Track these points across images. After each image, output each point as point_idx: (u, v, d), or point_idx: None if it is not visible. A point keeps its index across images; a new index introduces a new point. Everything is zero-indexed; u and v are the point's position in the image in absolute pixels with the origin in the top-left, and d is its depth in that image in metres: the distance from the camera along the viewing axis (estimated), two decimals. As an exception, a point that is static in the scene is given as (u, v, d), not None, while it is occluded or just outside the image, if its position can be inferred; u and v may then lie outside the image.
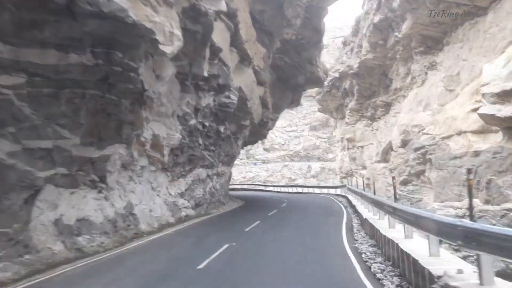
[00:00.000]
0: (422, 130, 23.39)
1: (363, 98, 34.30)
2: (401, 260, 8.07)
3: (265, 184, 57.41)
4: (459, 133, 19.16)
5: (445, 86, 21.89)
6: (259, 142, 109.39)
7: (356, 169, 36.69)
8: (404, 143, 26.29)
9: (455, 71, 20.98)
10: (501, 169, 15.92)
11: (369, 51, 30.39)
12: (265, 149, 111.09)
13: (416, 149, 23.11)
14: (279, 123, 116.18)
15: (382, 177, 31.36)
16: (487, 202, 16.40)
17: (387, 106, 31.50)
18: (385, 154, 31.80)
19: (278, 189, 48.12)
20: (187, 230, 16.43)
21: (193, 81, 17.37)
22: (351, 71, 33.17)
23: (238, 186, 68.13)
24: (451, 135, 19.87)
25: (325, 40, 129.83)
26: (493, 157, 16.43)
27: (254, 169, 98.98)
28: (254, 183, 58.42)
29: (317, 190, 39.41)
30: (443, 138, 20.69)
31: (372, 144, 34.01)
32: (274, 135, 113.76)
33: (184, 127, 17.79)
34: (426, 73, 24.81)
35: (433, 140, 21.59)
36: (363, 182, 26.46)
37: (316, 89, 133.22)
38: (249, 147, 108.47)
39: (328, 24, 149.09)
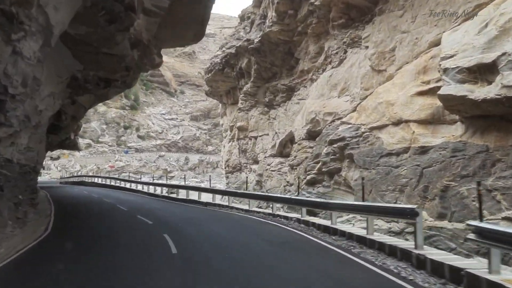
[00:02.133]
0: (340, 118, 18.81)
1: (261, 80, 29.10)
2: None
3: (124, 179, 47.67)
4: (398, 122, 14.75)
5: (372, 66, 17.53)
6: (133, 128, 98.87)
7: (246, 164, 31.44)
8: (312, 135, 21.60)
9: (389, 46, 16.68)
10: (464, 172, 11.64)
11: (275, 22, 25.19)
12: (139, 137, 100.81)
13: (332, 142, 18.42)
14: (158, 109, 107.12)
15: (277, 174, 26.54)
16: (441, 216, 12.04)
17: (289, 91, 26.77)
18: (283, 147, 27.06)
19: (143, 188, 38.22)
20: None
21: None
22: (251, 46, 27.64)
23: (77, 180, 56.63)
24: (385, 125, 15.43)
25: (213, 29, 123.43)
26: (452, 156, 12.12)
27: (124, 157, 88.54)
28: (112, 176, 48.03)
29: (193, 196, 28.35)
30: (372, 129, 16.21)
31: (267, 135, 29.07)
32: (152, 122, 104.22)
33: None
34: (345, 51, 20.38)
35: (357, 131, 17.05)
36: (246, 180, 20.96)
37: (202, 74, 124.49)
38: (121, 132, 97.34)
39: (216, 14, 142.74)
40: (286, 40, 25.83)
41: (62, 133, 26.33)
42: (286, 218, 16.89)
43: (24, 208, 14.61)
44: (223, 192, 27.44)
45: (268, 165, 27.84)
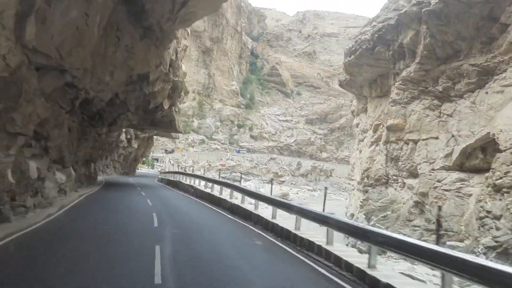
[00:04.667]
0: None
1: (433, 60, 20.62)
2: None
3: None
4: None
5: None
6: (246, 128, 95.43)
7: (396, 176, 23.07)
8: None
9: None
10: None
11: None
12: (252, 137, 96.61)
13: None
14: (273, 110, 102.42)
15: (455, 197, 17.86)
16: None
17: (483, 74, 17.96)
18: (466, 158, 18.30)
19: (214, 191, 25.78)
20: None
21: None
22: (426, 9, 19.34)
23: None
24: None
25: (336, 28, 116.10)
26: None
27: (236, 157, 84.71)
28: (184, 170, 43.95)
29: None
30: None
31: (437, 138, 20.43)
32: (265, 122, 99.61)
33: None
34: None
35: None
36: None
37: (321, 76, 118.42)
38: (234, 131, 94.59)
39: (340, 13, 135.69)
40: (488, -4, 17.06)
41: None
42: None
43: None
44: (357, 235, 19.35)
45: (439, 181, 19.25)
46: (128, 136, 50.84)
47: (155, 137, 67.13)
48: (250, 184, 61.13)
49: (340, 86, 33.05)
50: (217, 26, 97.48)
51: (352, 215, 29.26)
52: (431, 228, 19.02)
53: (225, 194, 23.18)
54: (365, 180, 26.05)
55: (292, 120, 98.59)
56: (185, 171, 44.35)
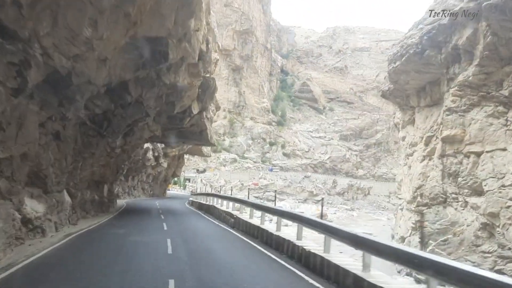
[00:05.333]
0: None
1: (495, 61, 18.13)
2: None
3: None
4: None
5: None
6: (279, 145, 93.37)
7: (456, 194, 20.33)
8: None
9: None
10: None
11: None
12: (285, 154, 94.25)
13: None
14: (305, 126, 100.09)
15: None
16: None
17: None
18: (546, 172, 15.53)
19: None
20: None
21: None
22: (487, 3, 16.99)
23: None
24: None
25: (368, 42, 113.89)
26: None
27: (269, 175, 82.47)
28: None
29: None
30: None
31: (505, 150, 17.75)
32: (298, 139, 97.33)
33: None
34: None
35: None
36: None
37: (354, 91, 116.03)
38: (266, 149, 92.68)
39: (371, 27, 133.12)
40: None
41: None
42: None
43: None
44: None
45: (510, 199, 16.51)
46: (156, 154, 48.23)
47: (186, 156, 66.00)
48: (285, 204, 58.78)
49: (382, 97, 30.64)
50: (247, 44, 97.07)
51: (402, 238, 26.48)
52: (506, 255, 16.24)
53: (285, 227, 18.74)
54: (418, 199, 23.32)
55: (325, 137, 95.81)
56: (219, 192, 41.92)
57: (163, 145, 48.72)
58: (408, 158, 27.73)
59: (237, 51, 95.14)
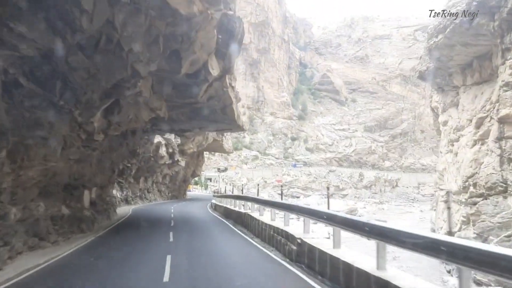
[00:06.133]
0: None
1: None
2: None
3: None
4: None
5: None
6: (301, 140, 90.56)
7: (520, 182, 17.47)
8: None
9: None
10: None
11: None
12: (307, 149, 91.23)
13: None
14: (327, 119, 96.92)
15: None
16: None
17: None
18: None
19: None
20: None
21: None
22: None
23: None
24: None
25: (388, 29, 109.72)
26: None
27: (292, 171, 79.72)
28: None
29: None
30: None
31: None
32: (320, 133, 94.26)
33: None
34: None
35: None
36: None
37: (376, 80, 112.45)
38: (288, 144, 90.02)
39: (390, 14, 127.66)
40: None
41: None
42: None
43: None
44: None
45: None
46: (170, 150, 42.30)
47: (206, 155, 63.86)
48: (310, 201, 56.18)
49: (419, 78, 27.78)
50: (263, 36, 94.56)
51: (449, 233, 23.60)
52: None
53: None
54: (471, 189, 20.43)
55: (349, 129, 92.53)
56: (241, 191, 35.46)
57: (178, 140, 43.77)
58: (452, 144, 24.79)
59: (253, 45, 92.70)
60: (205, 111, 22.11)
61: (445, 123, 26.83)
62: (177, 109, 21.35)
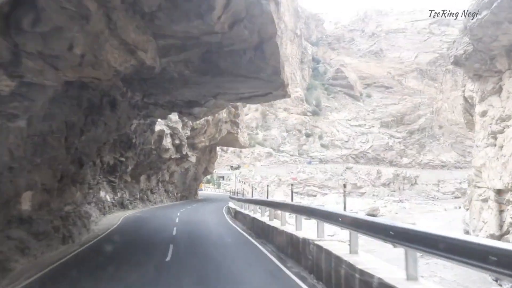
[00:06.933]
0: None
1: None
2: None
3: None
4: None
5: None
6: (316, 136, 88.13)
7: None
8: None
9: None
10: None
11: None
12: (323, 145, 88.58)
13: None
14: (342, 114, 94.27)
15: None
16: None
17: None
18: None
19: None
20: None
21: None
22: None
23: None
24: None
25: (402, 23, 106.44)
26: None
27: (307, 169, 77.15)
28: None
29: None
30: None
31: None
32: (336, 129, 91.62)
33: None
34: None
35: None
36: None
37: (393, 75, 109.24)
38: (302, 141, 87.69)
39: (404, 8, 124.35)
40: None
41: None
42: None
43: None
44: None
45: None
46: (177, 142, 34.32)
47: (218, 152, 61.57)
48: (328, 200, 53.87)
49: (454, 64, 25.24)
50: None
51: (492, 236, 21.22)
52: None
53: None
54: (520, 186, 18.00)
55: (365, 125, 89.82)
56: (255, 189, 29.74)
57: (187, 132, 36.07)
58: (495, 137, 22.29)
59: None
60: (226, 58, 12.53)
61: (483, 113, 24.29)
62: (175, 52, 11.70)
